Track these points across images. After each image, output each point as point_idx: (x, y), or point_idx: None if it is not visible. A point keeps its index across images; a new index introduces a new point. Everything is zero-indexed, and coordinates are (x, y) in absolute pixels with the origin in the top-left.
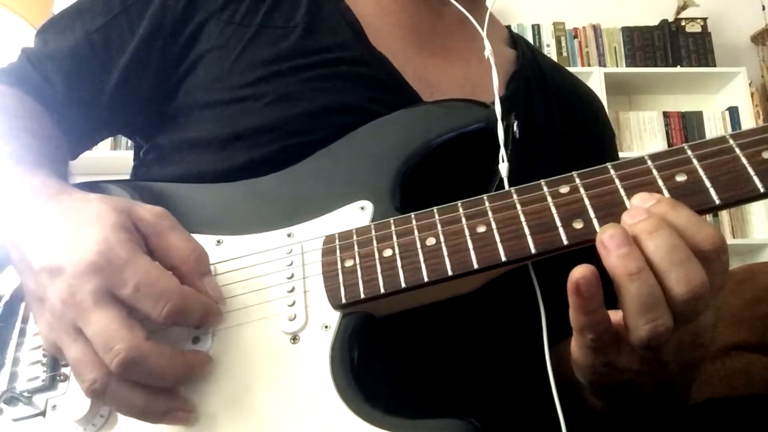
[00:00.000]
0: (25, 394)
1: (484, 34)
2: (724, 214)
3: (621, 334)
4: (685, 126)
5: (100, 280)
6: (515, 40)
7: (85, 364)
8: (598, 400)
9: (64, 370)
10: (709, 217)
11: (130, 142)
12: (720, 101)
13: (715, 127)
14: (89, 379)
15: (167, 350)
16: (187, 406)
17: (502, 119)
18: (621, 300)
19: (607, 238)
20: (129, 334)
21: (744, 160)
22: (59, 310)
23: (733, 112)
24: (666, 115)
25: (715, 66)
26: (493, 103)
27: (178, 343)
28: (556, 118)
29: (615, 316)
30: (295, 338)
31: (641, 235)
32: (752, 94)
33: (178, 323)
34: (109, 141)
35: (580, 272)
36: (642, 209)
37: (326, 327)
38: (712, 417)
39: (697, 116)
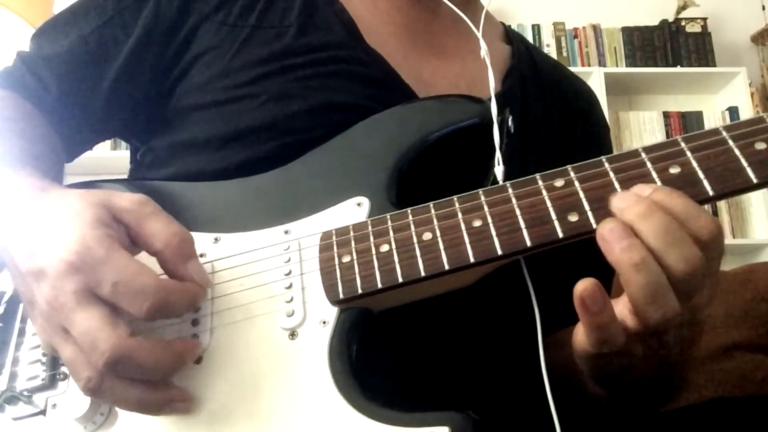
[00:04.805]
0: (25, 393)
1: (479, 34)
2: (724, 214)
3: (627, 322)
4: (685, 126)
5: (80, 280)
6: (510, 36)
7: (80, 363)
8: (597, 387)
9: (63, 368)
10: None
11: None
12: (720, 101)
13: None
14: (84, 377)
15: (153, 344)
16: (185, 395)
17: (497, 116)
18: (628, 291)
19: (607, 232)
20: (113, 332)
21: (737, 152)
22: (47, 312)
23: (733, 112)
24: (666, 115)
25: (715, 66)
26: (489, 98)
27: (176, 329)
28: (551, 112)
29: (619, 305)
30: (293, 334)
31: (635, 221)
32: (752, 94)
33: (163, 317)
34: (109, 141)
35: (582, 286)
36: (631, 193)
37: (324, 322)
38: (712, 417)
39: (697, 116)
